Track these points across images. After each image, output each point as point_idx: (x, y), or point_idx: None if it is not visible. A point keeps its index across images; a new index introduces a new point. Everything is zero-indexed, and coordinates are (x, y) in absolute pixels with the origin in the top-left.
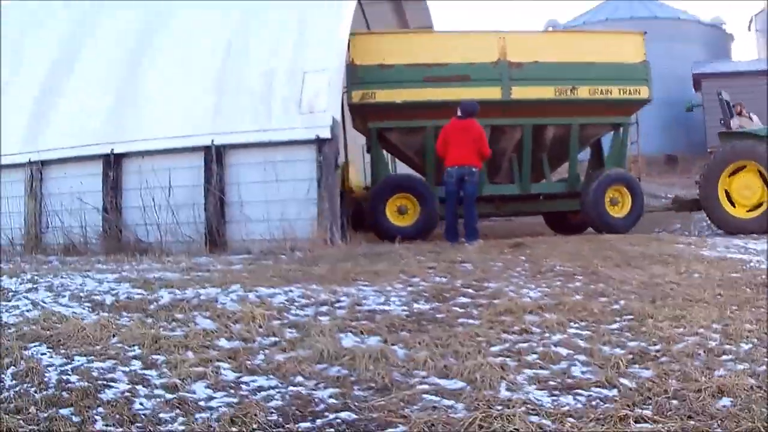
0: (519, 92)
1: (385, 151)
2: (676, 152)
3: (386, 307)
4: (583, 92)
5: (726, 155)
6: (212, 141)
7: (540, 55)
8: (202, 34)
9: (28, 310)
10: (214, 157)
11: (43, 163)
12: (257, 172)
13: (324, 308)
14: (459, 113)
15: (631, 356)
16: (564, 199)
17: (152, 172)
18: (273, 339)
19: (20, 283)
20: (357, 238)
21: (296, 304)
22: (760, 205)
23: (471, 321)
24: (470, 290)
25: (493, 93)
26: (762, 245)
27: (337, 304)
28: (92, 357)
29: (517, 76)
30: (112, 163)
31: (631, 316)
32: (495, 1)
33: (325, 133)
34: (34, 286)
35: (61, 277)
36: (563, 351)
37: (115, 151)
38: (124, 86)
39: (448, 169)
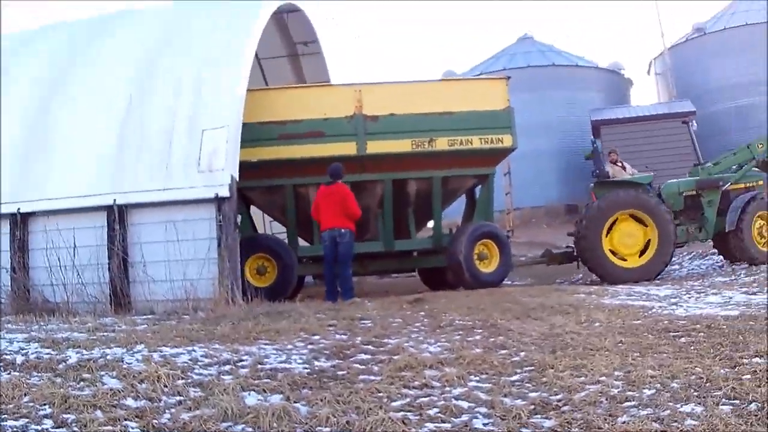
0: (374, 146)
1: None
2: (576, 201)
3: (288, 365)
4: (442, 143)
5: (609, 205)
6: (114, 200)
7: (397, 107)
8: (105, 89)
9: None
10: (117, 216)
11: None
12: (159, 232)
13: (227, 367)
14: (329, 178)
15: (532, 407)
16: (434, 255)
17: (57, 231)
18: (178, 398)
19: None
20: (258, 297)
21: (200, 363)
22: (643, 252)
23: (372, 377)
24: (370, 347)
25: (348, 149)
26: (664, 291)
27: (239, 363)
28: (5, 416)
29: (372, 129)
30: (19, 223)
31: (532, 367)
32: (392, 54)
33: (224, 192)
34: None
35: None
36: (464, 404)
37: (22, 210)
38: (29, 142)
39: (322, 233)
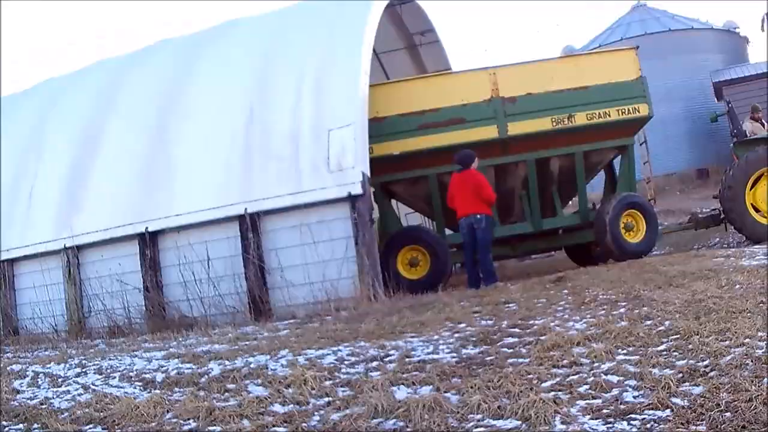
0: (515, 128)
1: (395, 202)
2: (706, 165)
3: (435, 356)
4: (581, 118)
5: (748, 165)
6: (245, 209)
7: (533, 86)
8: (223, 100)
9: (79, 394)
10: (249, 225)
11: (79, 247)
12: (294, 236)
13: (374, 363)
14: (458, 165)
15: (680, 375)
16: (580, 231)
17: (189, 246)
18: (326, 399)
19: (68, 369)
20: (401, 291)
21: (346, 362)
22: None
23: (520, 360)
24: (516, 329)
25: (489, 132)
26: None
27: (386, 359)
28: None
29: (511, 111)
30: (148, 242)
31: (677, 336)
32: (508, 34)
33: (357, 190)
34: (83, 370)
35: (109, 359)
36: (614, 378)
37: (150, 229)
38: (150, 160)
39: (460, 221)
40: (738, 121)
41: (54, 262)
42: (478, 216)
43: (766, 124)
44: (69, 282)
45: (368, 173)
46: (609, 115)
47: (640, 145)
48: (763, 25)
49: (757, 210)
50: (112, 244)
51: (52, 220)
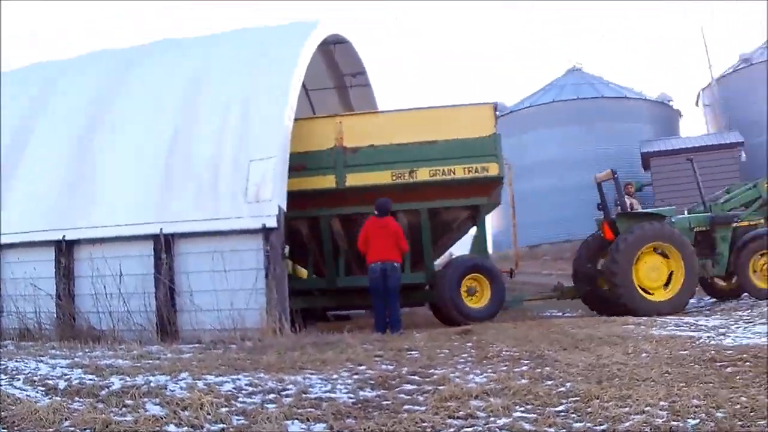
0: (354, 179)
1: None
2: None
3: (333, 395)
4: (423, 174)
5: (638, 238)
6: (161, 229)
7: (378, 138)
8: (149, 118)
9: None
10: (163, 245)
11: None
12: (206, 261)
13: (271, 396)
14: (376, 211)
15: None
16: (426, 289)
17: (103, 259)
18: (221, 426)
19: None
20: (306, 328)
21: (244, 391)
22: (666, 284)
23: (416, 407)
24: (416, 377)
25: (328, 182)
26: (713, 321)
27: (284, 392)
28: None
29: (352, 162)
30: (64, 250)
31: (577, 398)
32: (442, 87)
33: (272, 223)
34: None
35: (16, 361)
36: None
37: (67, 238)
38: (74, 168)
39: (371, 265)
40: (622, 192)
41: None
42: (396, 264)
43: (634, 201)
44: None
45: (284, 207)
46: (454, 173)
47: (512, 208)
48: (698, 101)
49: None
50: (29, 248)
51: None
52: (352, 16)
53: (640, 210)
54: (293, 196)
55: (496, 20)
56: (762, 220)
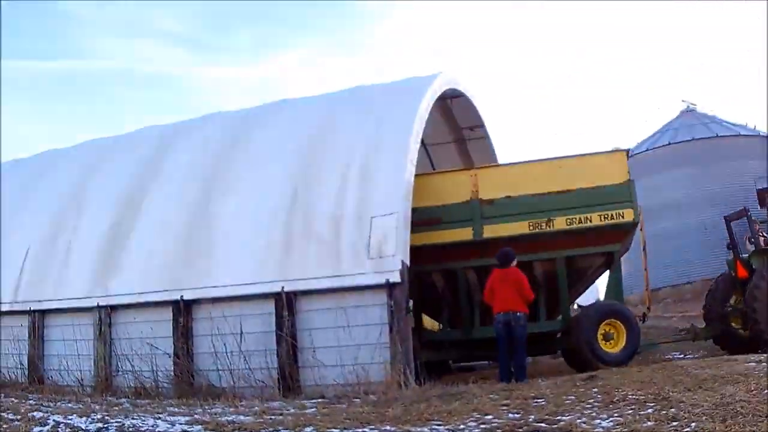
0: (491, 230)
1: None
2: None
3: None
4: (560, 223)
5: None
6: (282, 288)
7: (513, 189)
8: (267, 177)
9: None
10: (285, 303)
11: (112, 307)
12: (328, 318)
13: None
14: (497, 262)
15: None
16: (558, 337)
17: (223, 318)
18: None
19: (90, 422)
20: (432, 381)
21: None
22: None
23: None
24: (543, 424)
25: (464, 234)
26: None
27: None
28: None
29: (488, 213)
30: (182, 310)
31: None
32: (559, 133)
33: (395, 278)
34: (105, 425)
35: (132, 419)
36: None
37: (185, 298)
38: (191, 230)
39: (496, 315)
40: (755, 228)
41: (87, 319)
42: (519, 314)
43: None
44: (100, 340)
45: (407, 262)
46: (590, 221)
47: (642, 250)
48: None
49: None
50: (145, 308)
51: (87, 277)
52: (469, 69)
53: None
54: (429, 249)
55: (606, 62)
56: None
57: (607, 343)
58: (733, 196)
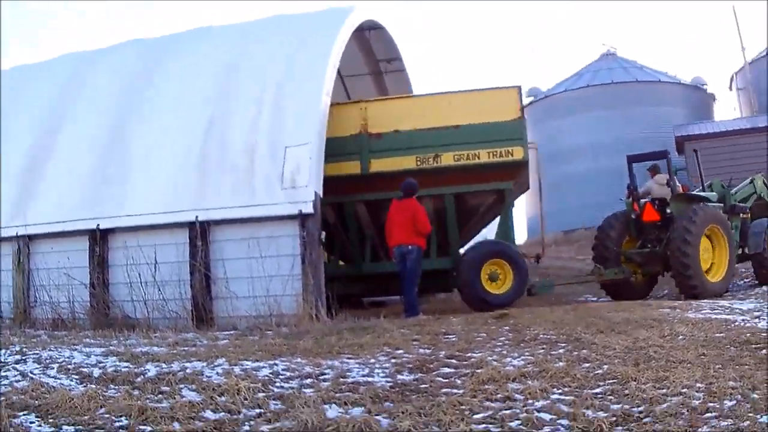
0: (378, 164)
1: None
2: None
3: (370, 379)
4: (447, 159)
5: (702, 220)
6: (196, 217)
7: (403, 123)
8: (183, 106)
9: (17, 381)
10: (199, 233)
11: (30, 237)
12: (242, 248)
13: (308, 381)
14: (401, 193)
15: (614, 419)
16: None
17: (138, 247)
18: (258, 411)
19: (9, 355)
20: (342, 313)
21: (281, 376)
22: (709, 268)
23: (454, 390)
24: (453, 360)
25: (353, 167)
26: (747, 305)
27: (321, 377)
28: (80, 427)
29: (376, 147)
30: (99, 239)
31: (614, 380)
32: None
33: (308, 209)
34: (23, 358)
35: (50, 350)
36: (546, 416)
37: (101, 227)
38: (107, 157)
39: (393, 249)
40: (674, 174)
41: (7, 249)
42: (411, 246)
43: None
44: (18, 270)
45: (321, 193)
46: (478, 157)
47: (540, 193)
48: (731, 84)
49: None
50: (63, 237)
51: (8, 206)
52: (387, 2)
53: (695, 193)
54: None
55: (532, 5)
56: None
57: (493, 283)
58: (651, 141)
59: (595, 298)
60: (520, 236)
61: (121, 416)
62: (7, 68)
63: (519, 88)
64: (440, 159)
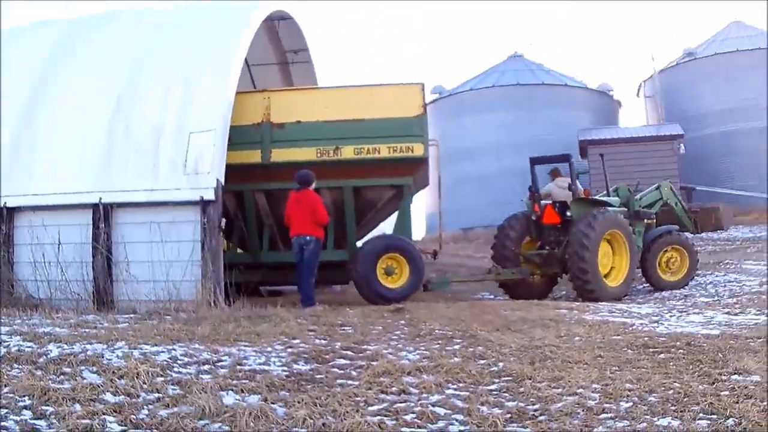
0: (279, 155)
1: None
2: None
3: (267, 367)
4: (347, 152)
5: (600, 224)
6: (100, 199)
7: (305, 115)
8: (93, 88)
9: None
10: (102, 215)
11: None
12: (144, 232)
13: (206, 367)
14: (298, 184)
15: (509, 416)
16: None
17: (43, 227)
18: (156, 395)
19: None
20: (240, 301)
21: (179, 362)
22: (608, 273)
23: (349, 382)
24: (349, 352)
25: (253, 156)
26: (645, 309)
27: (218, 363)
28: None
29: (278, 137)
30: (5, 217)
31: (510, 378)
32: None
33: (209, 195)
34: None
35: None
36: (441, 411)
37: (8, 205)
38: (16, 136)
39: (292, 239)
40: (575, 178)
41: None
42: (308, 237)
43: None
44: None
45: (222, 181)
46: (378, 152)
47: (439, 191)
48: (639, 91)
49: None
50: None
51: None
52: None
53: (597, 197)
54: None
55: (442, 3)
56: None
57: (389, 277)
58: (555, 144)
59: (492, 296)
60: (418, 232)
61: (24, 396)
62: None
63: (422, 85)
64: (341, 152)
